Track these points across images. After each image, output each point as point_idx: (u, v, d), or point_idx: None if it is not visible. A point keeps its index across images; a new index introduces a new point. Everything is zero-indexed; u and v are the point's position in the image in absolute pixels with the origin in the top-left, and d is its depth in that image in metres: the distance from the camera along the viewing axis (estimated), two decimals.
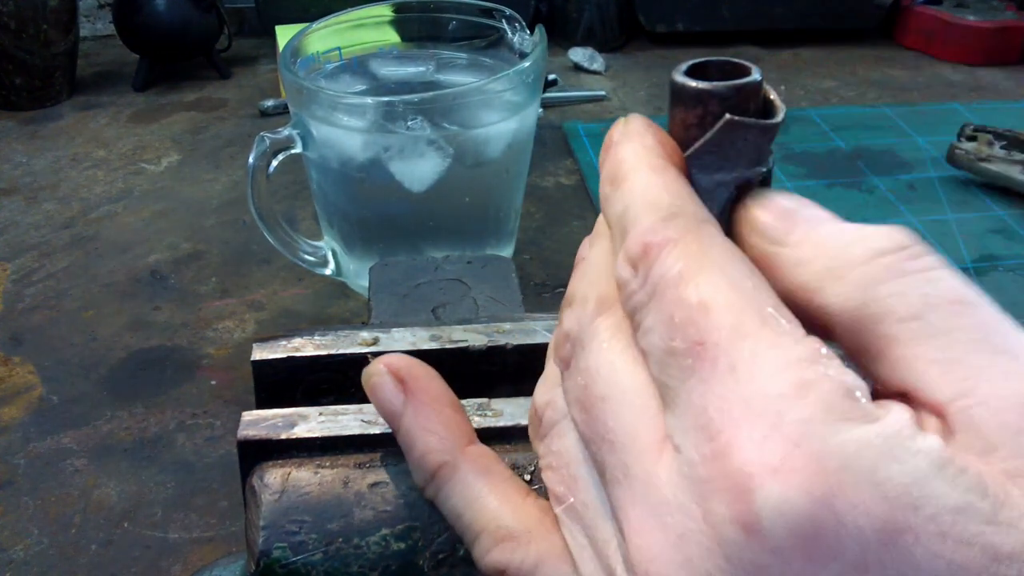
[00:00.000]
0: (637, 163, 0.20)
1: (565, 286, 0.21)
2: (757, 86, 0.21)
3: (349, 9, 0.72)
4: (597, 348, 0.19)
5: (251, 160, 0.63)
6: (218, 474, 0.56)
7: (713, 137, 0.20)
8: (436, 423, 0.24)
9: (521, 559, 0.21)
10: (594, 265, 0.20)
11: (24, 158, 0.96)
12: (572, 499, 0.19)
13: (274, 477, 0.26)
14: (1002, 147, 0.83)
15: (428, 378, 0.25)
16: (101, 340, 0.69)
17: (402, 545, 0.25)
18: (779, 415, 0.15)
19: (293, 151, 0.64)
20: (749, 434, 0.15)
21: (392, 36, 0.75)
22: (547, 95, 1.02)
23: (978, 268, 0.73)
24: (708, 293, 0.16)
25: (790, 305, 0.17)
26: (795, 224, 0.19)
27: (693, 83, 0.20)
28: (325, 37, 0.71)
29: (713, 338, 0.16)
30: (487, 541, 0.21)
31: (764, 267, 0.18)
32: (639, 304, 0.18)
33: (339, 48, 0.72)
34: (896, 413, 0.15)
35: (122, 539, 0.52)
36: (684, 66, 0.21)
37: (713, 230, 0.18)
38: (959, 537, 0.14)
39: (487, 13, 0.72)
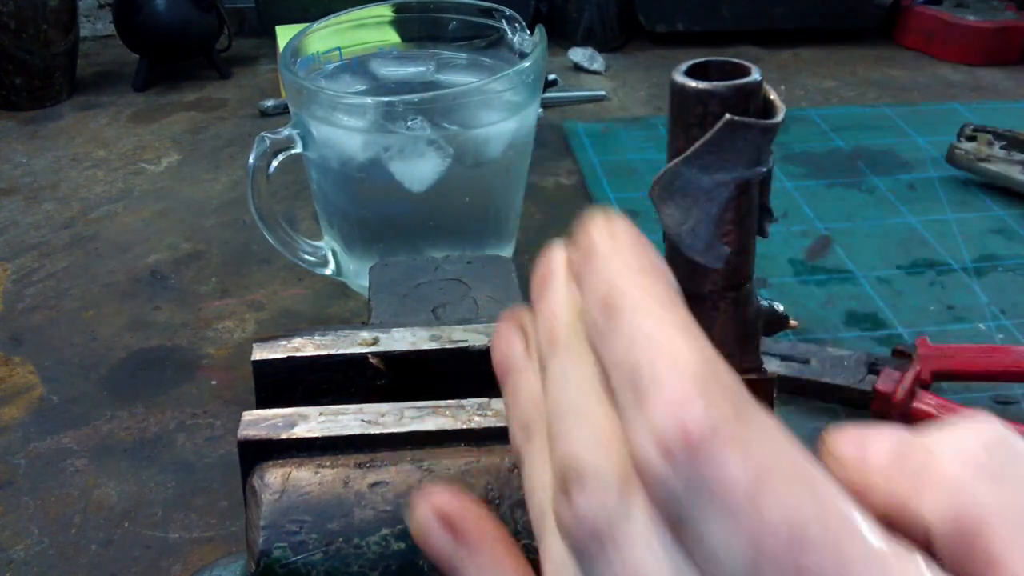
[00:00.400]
0: (636, 294, 0.17)
1: None
2: (757, 86, 0.21)
3: (349, 9, 0.72)
4: (637, 547, 0.15)
5: (251, 160, 0.63)
6: (218, 474, 0.56)
7: (713, 137, 0.20)
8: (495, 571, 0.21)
9: None
10: (583, 414, 0.17)
11: (24, 158, 0.96)
12: None
13: (274, 477, 0.26)
14: (1002, 147, 0.83)
15: (479, 518, 0.22)
16: (101, 340, 0.69)
17: (402, 545, 0.25)
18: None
19: (293, 151, 0.64)
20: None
21: (392, 36, 0.75)
22: (547, 95, 1.02)
23: (978, 268, 0.73)
24: (795, 514, 0.14)
25: (884, 522, 0.15)
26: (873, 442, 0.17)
27: (693, 83, 0.20)
28: (325, 37, 0.71)
29: (816, 571, 0.13)
30: None
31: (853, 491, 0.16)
32: (689, 508, 0.14)
33: (339, 48, 0.72)
34: None
35: (122, 539, 0.52)
36: (684, 66, 0.21)
37: (755, 409, 0.15)
38: None
39: (487, 13, 0.72)
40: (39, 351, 0.68)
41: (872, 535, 0.14)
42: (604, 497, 0.16)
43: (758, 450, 0.14)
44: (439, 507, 0.21)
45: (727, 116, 0.20)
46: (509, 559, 0.21)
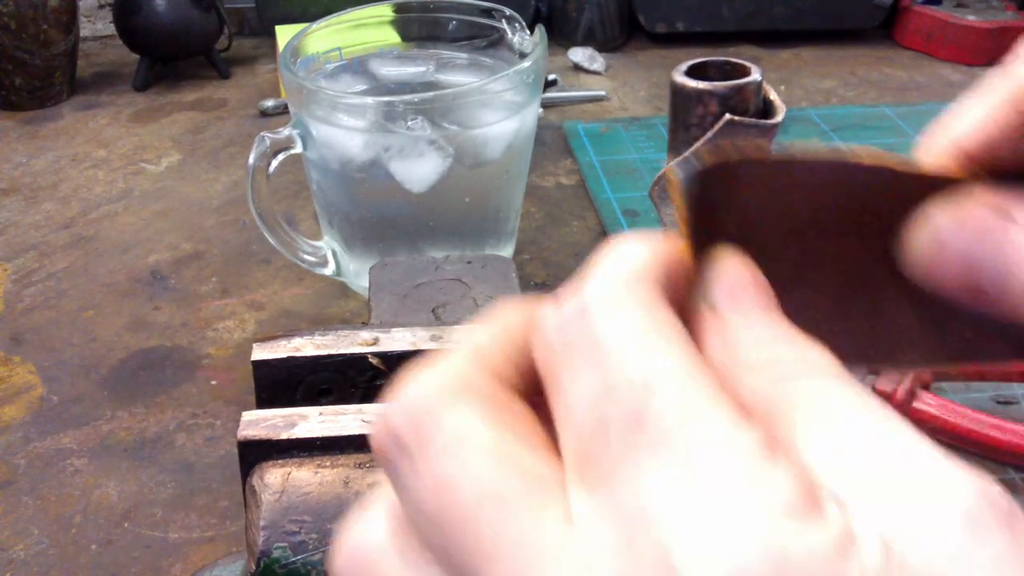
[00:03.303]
0: (610, 302, 0.17)
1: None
2: (757, 86, 0.21)
3: (349, 9, 0.72)
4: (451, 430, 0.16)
5: (251, 160, 0.63)
6: (218, 474, 0.56)
7: (713, 137, 0.20)
8: None
9: None
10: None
11: (24, 158, 0.96)
12: None
13: (274, 477, 0.26)
14: None
15: None
16: (101, 340, 0.69)
17: None
18: (728, 514, 0.13)
19: (293, 151, 0.64)
20: (695, 532, 0.13)
21: (392, 36, 0.75)
22: (547, 95, 1.02)
23: None
24: (650, 369, 0.15)
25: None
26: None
27: (693, 83, 0.20)
28: (325, 37, 0.71)
29: (655, 420, 0.14)
30: None
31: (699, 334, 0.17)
32: (557, 356, 0.16)
33: (339, 48, 0.72)
34: (834, 514, 0.14)
35: (122, 539, 0.52)
36: (684, 66, 0.21)
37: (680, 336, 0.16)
38: None
39: (487, 13, 0.72)
40: (39, 351, 0.68)
41: (716, 395, 0.15)
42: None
43: (629, 315, 0.16)
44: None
45: (727, 116, 0.20)
46: None
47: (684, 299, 0.18)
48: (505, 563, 0.14)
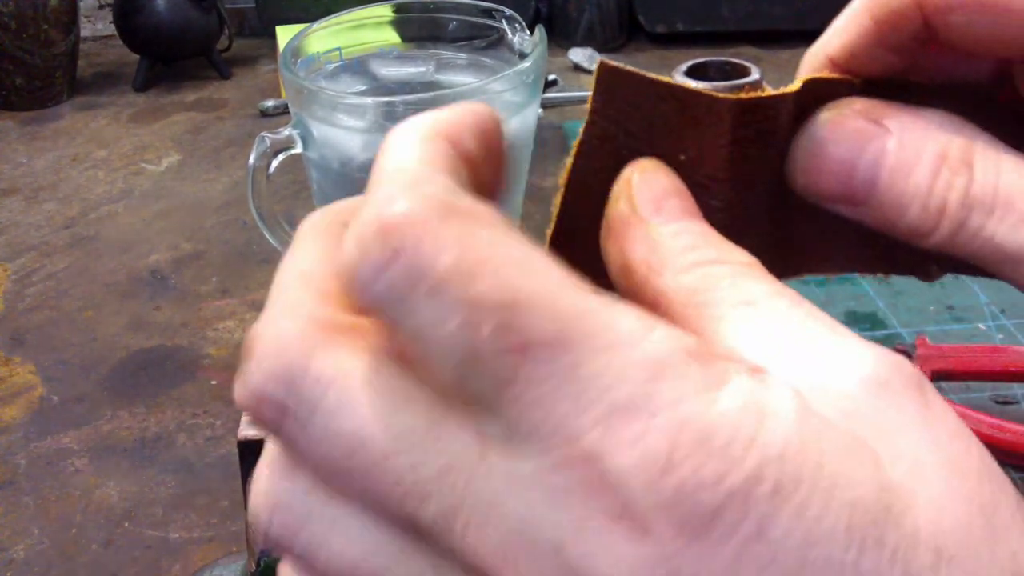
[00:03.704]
0: (405, 147, 0.16)
1: None
2: (757, 86, 0.21)
3: (349, 9, 0.72)
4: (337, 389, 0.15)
5: (251, 160, 0.63)
6: (218, 474, 0.56)
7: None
8: None
9: None
10: (294, 268, 0.17)
11: (24, 158, 0.96)
12: None
13: None
14: None
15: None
16: (101, 340, 0.69)
17: None
18: (642, 404, 0.14)
19: (293, 151, 0.64)
20: (617, 431, 0.13)
21: (392, 36, 0.75)
22: (547, 95, 1.02)
23: None
24: (510, 286, 0.14)
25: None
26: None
27: (693, 83, 0.20)
28: (325, 37, 0.71)
29: (536, 336, 0.13)
30: None
31: (612, 234, 0.18)
32: (408, 312, 0.14)
33: (339, 48, 0.72)
34: (740, 381, 0.14)
35: (122, 539, 0.52)
36: (684, 66, 0.21)
37: (499, 223, 0.15)
38: (825, 509, 0.14)
39: (487, 13, 0.72)
40: (39, 351, 0.68)
41: (590, 297, 0.14)
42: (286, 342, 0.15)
43: (463, 235, 0.14)
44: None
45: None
46: None
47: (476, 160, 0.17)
48: (439, 500, 0.14)
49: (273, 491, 0.16)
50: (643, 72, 0.19)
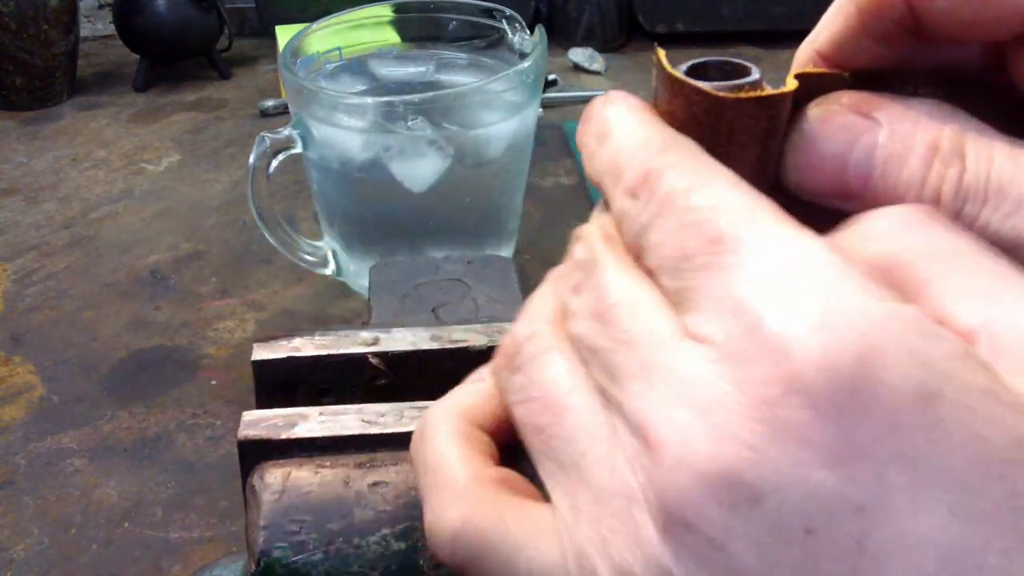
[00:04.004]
0: (623, 117, 0.20)
1: None
2: (757, 86, 0.21)
3: (349, 9, 0.72)
4: (606, 266, 0.19)
5: (251, 160, 0.63)
6: (218, 474, 0.56)
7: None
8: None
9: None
10: (595, 220, 0.21)
11: (24, 158, 0.96)
12: (557, 427, 0.19)
13: (274, 477, 0.26)
14: None
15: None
16: (101, 340, 0.69)
17: (402, 545, 0.25)
18: (812, 288, 0.15)
19: (293, 151, 0.64)
20: (784, 304, 0.15)
21: (392, 36, 0.75)
22: (547, 95, 1.02)
23: None
24: (718, 197, 0.17)
25: None
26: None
27: (692, 82, 0.20)
28: (325, 37, 0.71)
29: (731, 231, 0.16)
30: None
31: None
32: (644, 225, 0.18)
33: (339, 48, 0.72)
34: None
35: (122, 539, 0.52)
36: (684, 66, 0.21)
37: (710, 157, 0.18)
38: (988, 415, 0.14)
39: (487, 13, 0.72)
40: (39, 351, 0.68)
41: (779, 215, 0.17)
42: (588, 244, 0.20)
43: (696, 165, 0.18)
44: None
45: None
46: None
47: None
48: (630, 356, 0.17)
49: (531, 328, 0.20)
50: (663, 64, 0.20)
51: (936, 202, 0.19)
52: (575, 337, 0.19)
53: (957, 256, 0.17)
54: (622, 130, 0.19)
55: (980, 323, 0.16)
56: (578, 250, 0.20)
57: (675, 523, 0.15)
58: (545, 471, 0.19)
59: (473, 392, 0.22)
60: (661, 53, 0.20)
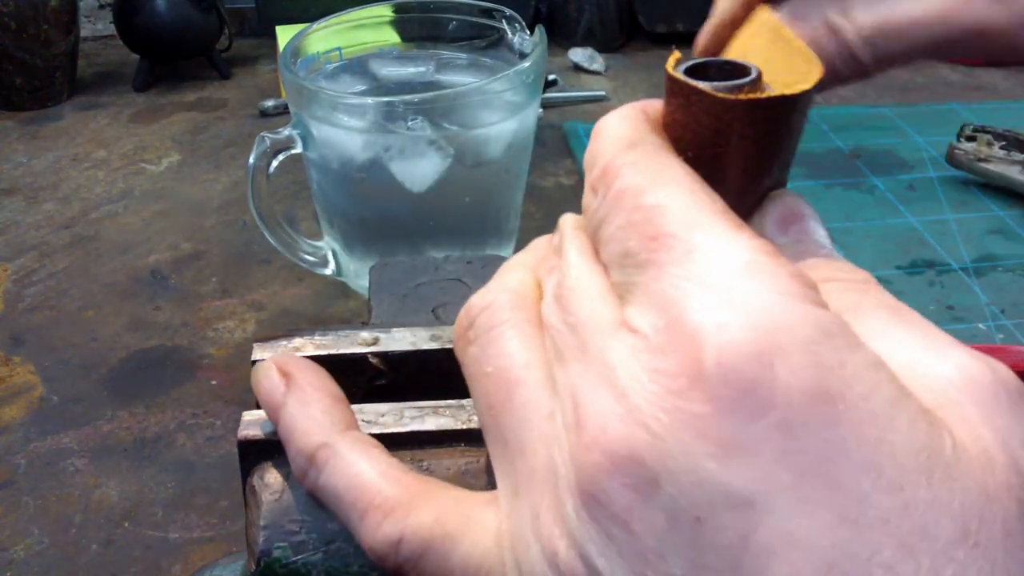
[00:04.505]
0: (613, 117, 0.21)
1: None
2: (757, 85, 0.21)
3: (349, 9, 0.72)
4: (569, 253, 0.20)
5: (251, 160, 0.63)
6: (218, 474, 0.56)
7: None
8: (315, 409, 0.24)
9: (417, 522, 0.21)
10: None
11: (24, 158, 0.96)
12: (508, 403, 0.19)
13: (274, 477, 0.26)
14: (1002, 147, 0.83)
15: (312, 371, 0.25)
16: (101, 340, 0.69)
17: None
18: (731, 287, 0.16)
19: (293, 151, 0.64)
20: (701, 302, 0.16)
21: (392, 36, 0.75)
22: (547, 95, 1.02)
23: (978, 268, 0.73)
24: (663, 197, 0.18)
25: None
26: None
27: (692, 82, 0.20)
28: (325, 37, 0.71)
29: (669, 230, 0.17)
30: (375, 515, 0.21)
31: None
32: (600, 220, 0.19)
33: (339, 48, 0.72)
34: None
35: (122, 539, 0.52)
36: (684, 66, 0.21)
37: (671, 155, 0.19)
38: (891, 422, 0.14)
39: (487, 13, 0.72)
40: (39, 351, 0.68)
41: (734, 218, 0.17)
42: (562, 232, 0.22)
43: (650, 165, 0.19)
44: (277, 360, 0.26)
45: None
46: (331, 401, 0.24)
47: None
48: (586, 358, 0.18)
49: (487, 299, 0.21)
50: (669, 69, 0.21)
51: None
52: (543, 315, 0.20)
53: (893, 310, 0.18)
54: (605, 128, 0.20)
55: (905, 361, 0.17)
56: (556, 235, 0.22)
57: (589, 499, 0.16)
58: (494, 453, 0.20)
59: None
60: (676, 54, 0.21)
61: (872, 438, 0.14)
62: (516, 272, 0.23)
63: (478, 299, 0.22)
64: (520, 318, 0.20)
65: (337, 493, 0.23)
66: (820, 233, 0.22)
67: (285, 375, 0.25)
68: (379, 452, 0.23)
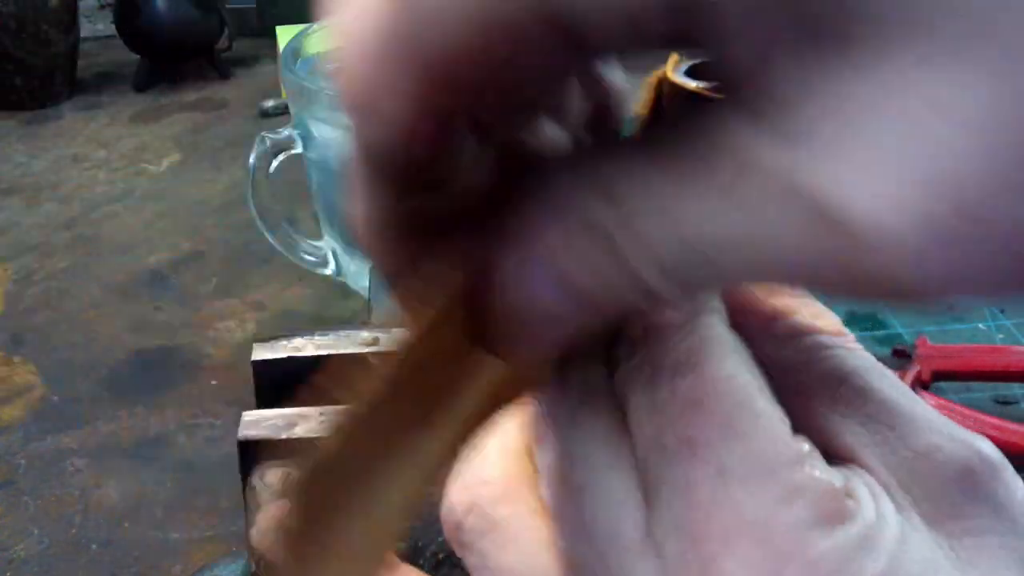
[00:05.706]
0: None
1: None
2: None
3: None
4: (580, 426, 0.17)
5: (252, 160, 0.63)
6: (218, 474, 0.56)
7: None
8: None
9: None
10: None
11: (25, 158, 0.96)
12: None
13: (274, 477, 0.26)
14: None
15: None
16: (102, 340, 0.69)
17: (402, 545, 0.25)
18: (768, 526, 0.15)
19: (294, 151, 0.64)
20: (736, 547, 0.15)
21: None
22: None
23: None
24: (703, 386, 0.16)
25: None
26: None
27: (693, 83, 0.20)
28: (326, 38, 0.71)
29: (704, 436, 0.15)
30: None
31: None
32: (634, 381, 0.17)
33: None
34: (865, 503, 0.15)
35: (122, 539, 0.52)
36: (684, 67, 0.21)
37: (714, 317, 0.17)
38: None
39: None
40: (40, 351, 0.68)
41: (773, 412, 0.16)
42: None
43: (696, 334, 0.17)
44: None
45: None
46: None
47: None
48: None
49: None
50: (668, 72, 0.20)
51: None
52: (550, 511, 0.18)
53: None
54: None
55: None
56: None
57: None
58: None
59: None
60: (674, 58, 0.20)
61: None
62: (497, 457, 0.19)
63: (461, 496, 0.19)
64: (518, 512, 0.18)
65: None
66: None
67: None
68: None
